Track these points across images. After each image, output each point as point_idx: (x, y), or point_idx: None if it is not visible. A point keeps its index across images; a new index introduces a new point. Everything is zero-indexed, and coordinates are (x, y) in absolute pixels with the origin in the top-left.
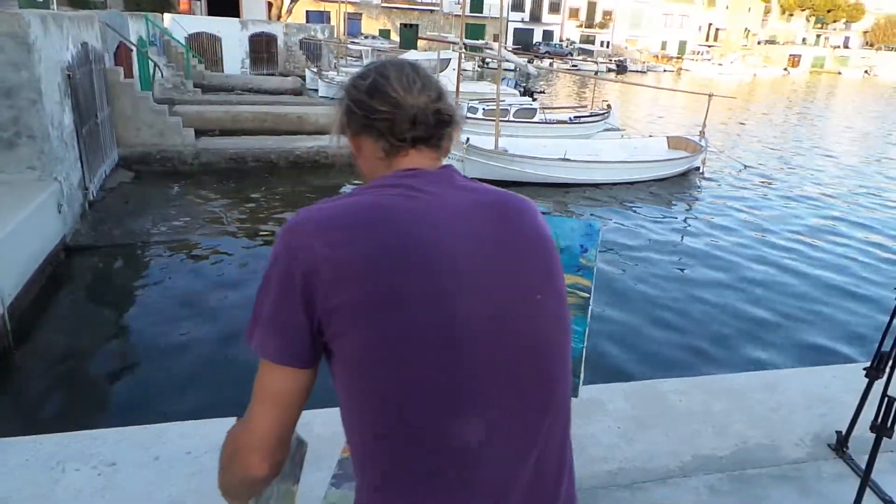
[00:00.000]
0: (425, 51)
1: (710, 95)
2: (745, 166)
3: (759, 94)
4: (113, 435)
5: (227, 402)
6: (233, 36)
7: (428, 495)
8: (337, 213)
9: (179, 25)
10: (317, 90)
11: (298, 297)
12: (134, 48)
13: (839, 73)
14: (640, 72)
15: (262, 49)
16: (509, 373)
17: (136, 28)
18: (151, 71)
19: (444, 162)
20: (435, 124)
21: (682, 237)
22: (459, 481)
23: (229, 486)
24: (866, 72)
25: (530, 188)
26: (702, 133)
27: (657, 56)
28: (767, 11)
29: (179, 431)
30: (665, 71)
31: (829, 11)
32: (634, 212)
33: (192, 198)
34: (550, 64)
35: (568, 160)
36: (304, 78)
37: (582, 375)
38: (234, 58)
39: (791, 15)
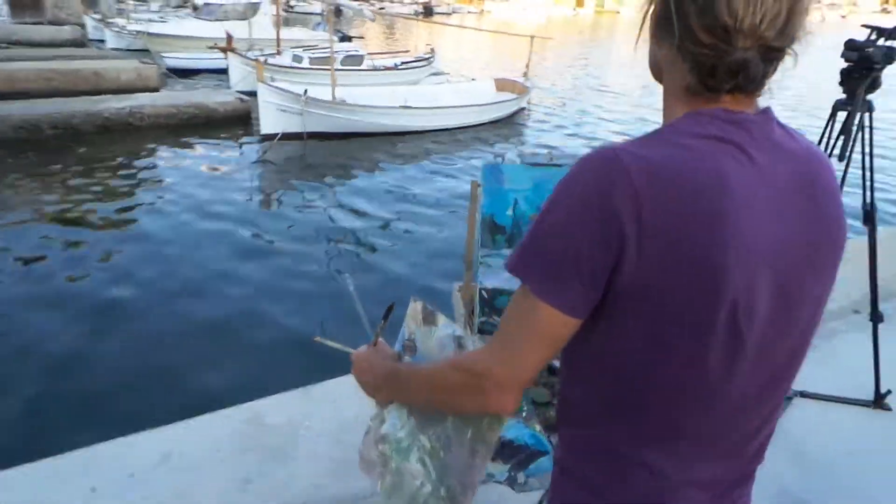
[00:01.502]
0: None
1: (531, 37)
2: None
3: (560, 33)
4: (18, 475)
5: (70, 418)
6: None
7: (688, 444)
8: (672, 170)
9: None
10: (104, 41)
11: (609, 250)
12: None
13: (618, 12)
14: (446, 13)
15: None
16: (782, 349)
17: None
18: None
19: None
20: (764, 71)
21: None
22: (720, 433)
23: (439, 405)
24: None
25: (370, 138)
26: (525, 74)
27: None
28: None
29: (111, 453)
30: (469, 13)
31: None
32: (480, 153)
33: None
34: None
35: (409, 107)
36: (83, 27)
37: None
38: None
39: None
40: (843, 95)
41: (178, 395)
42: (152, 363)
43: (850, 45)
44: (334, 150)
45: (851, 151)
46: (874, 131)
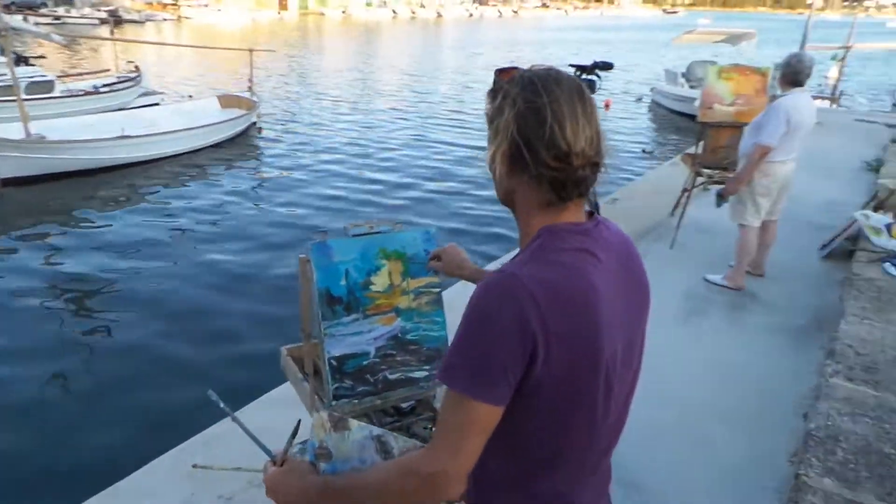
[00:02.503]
0: None
1: (251, 50)
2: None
3: (269, 37)
4: None
5: None
6: None
7: (578, 475)
8: (556, 287)
9: None
10: None
11: (525, 354)
12: None
13: (322, 13)
14: (138, 22)
15: None
16: (628, 384)
17: None
18: None
19: None
20: (592, 179)
21: (268, 193)
22: (598, 458)
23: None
24: (343, 12)
25: (85, 177)
26: (251, 88)
27: (151, 3)
28: None
29: None
30: (165, 20)
31: None
32: (216, 180)
33: None
34: (25, 19)
35: (128, 137)
36: None
37: None
38: None
39: None
40: None
41: None
42: None
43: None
44: (42, 198)
45: None
46: None
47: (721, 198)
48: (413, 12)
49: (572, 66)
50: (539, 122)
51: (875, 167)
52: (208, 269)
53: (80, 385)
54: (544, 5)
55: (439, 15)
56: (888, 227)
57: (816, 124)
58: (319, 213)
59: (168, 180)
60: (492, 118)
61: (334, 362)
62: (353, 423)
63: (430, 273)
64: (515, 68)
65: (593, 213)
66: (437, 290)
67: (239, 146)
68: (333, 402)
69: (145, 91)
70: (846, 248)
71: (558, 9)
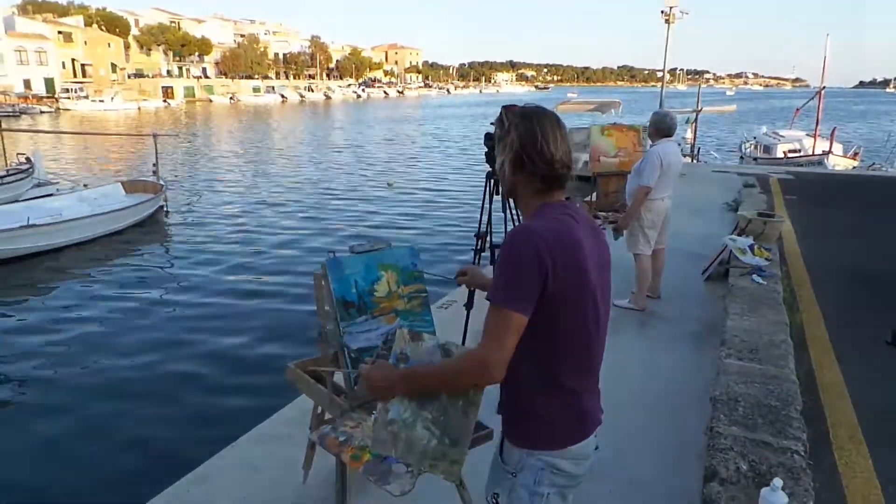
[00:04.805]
0: None
1: (154, 135)
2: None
3: (158, 125)
4: None
5: None
6: None
7: (583, 371)
8: (556, 232)
9: None
10: None
11: (542, 275)
12: None
13: (210, 100)
14: (13, 115)
15: None
16: (606, 309)
17: None
18: None
19: None
20: (566, 177)
21: (180, 271)
22: (594, 362)
23: (450, 388)
24: (231, 98)
25: None
26: (156, 172)
27: (27, 97)
28: (127, 46)
29: None
30: (42, 112)
31: (182, 46)
32: (126, 265)
33: None
34: None
35: (34, 226)
36: None
37: None
38: None
39: (150, 50)
40: (489, 168)
41: None
42: None
43: (487, 137)
44: None
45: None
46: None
47: (617, 231)
48: (302, 96)
49: (489, 134)
50: (533, 139)
51: (734, 207)
52: (123, 362)
53: None
54: (427, 85)
55: (328, 97)
56: (751, 247)
57: (682, 175)
58: (232, 294)
59: (76, 269)
60: (500, 137)
61: (353, 355)
62: (426, 336)
63: (418, 280)
64: (515, 105)
65: (569, 197)
66: (425, 294)
67: (151, 227)
68: (355, 388)
69: (38, 182)
70: (721, 272)
71: (440, 88)
